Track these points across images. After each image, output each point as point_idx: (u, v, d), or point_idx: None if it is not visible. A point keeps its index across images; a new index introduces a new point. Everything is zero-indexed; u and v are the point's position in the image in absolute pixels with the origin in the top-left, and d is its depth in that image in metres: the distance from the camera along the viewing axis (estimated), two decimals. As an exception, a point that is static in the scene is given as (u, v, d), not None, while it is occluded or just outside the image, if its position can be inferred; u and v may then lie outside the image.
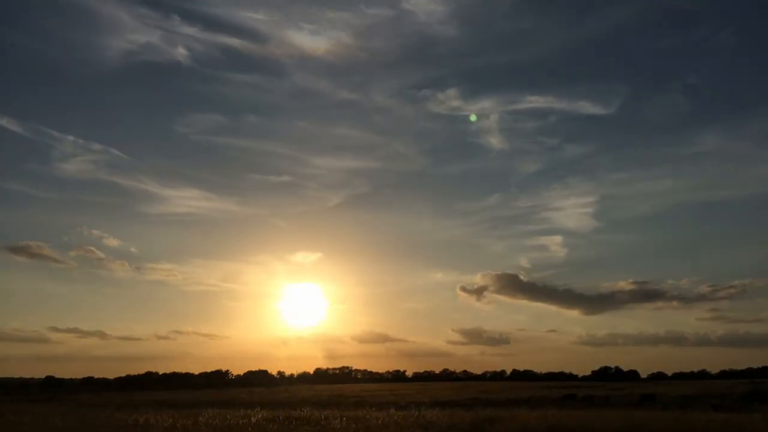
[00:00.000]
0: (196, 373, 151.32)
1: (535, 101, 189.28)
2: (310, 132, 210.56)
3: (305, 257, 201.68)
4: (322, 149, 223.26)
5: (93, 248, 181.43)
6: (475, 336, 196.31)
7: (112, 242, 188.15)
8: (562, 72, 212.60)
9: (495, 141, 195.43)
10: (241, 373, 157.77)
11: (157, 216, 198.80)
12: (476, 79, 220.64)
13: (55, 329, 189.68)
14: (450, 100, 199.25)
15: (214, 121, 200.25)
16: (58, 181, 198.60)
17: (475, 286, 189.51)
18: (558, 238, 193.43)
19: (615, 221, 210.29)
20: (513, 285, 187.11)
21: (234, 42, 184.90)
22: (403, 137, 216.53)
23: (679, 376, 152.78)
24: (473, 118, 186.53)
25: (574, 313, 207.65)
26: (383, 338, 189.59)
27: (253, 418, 26.76)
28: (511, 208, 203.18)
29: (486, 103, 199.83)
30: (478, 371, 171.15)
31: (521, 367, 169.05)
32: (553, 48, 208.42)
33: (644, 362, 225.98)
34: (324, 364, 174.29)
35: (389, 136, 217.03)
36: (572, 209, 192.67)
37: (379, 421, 23.99)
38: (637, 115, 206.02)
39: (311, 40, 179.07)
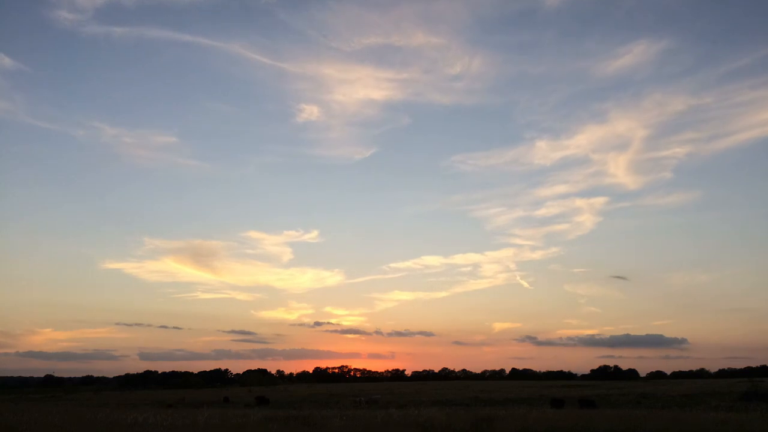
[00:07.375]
0: (196, 372, 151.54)
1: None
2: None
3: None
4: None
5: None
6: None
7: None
8: None
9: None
10: (240, 372, 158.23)
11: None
12: None
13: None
14: None
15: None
16: None
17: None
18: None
19: None
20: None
21: None
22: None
23: (678, 375, 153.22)
24: None
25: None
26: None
27: (252, 417, 26.69)
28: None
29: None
30: (477, 370, 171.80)
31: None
32: None
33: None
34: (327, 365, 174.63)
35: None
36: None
37: (379, 420, 23.93)
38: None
39: None
